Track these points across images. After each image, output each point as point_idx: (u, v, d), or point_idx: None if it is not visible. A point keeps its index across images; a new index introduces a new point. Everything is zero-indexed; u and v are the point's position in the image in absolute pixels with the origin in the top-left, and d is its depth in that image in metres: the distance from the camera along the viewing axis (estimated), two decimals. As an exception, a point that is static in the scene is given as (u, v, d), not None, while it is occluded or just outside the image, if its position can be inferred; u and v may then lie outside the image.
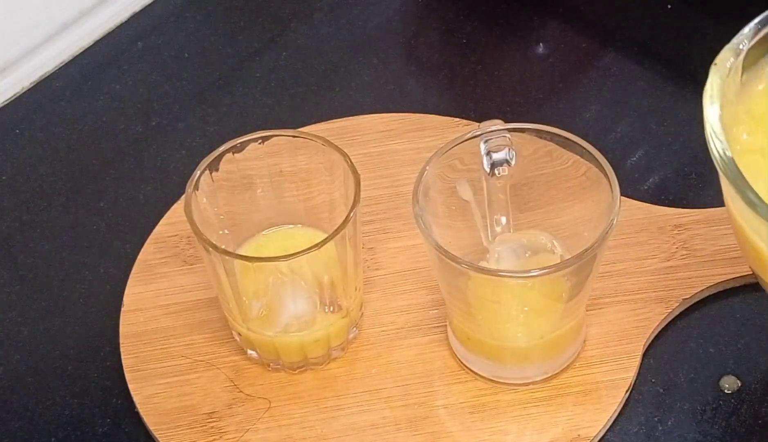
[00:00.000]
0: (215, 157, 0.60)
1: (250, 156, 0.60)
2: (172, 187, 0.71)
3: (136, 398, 0.61)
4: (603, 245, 0.54)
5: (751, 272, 0.62)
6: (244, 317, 0.59)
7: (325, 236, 0.56)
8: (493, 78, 0.76)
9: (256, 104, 0.77)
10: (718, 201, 0.67)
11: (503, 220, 0.61)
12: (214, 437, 0.59)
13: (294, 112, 0.76)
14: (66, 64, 0.81)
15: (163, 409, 0.60)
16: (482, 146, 0.58)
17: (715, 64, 0.51)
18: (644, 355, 0.61)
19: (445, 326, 0.62)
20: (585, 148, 0.57)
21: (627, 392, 0.59)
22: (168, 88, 0.79)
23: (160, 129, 0.76)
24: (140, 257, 0.67)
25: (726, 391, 0.60)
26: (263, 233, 0.63)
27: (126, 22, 0.84)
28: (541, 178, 0.60)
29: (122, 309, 0.64)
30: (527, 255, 0.60)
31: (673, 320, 0.62)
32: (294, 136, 0.61)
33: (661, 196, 0.68)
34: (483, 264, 0.60)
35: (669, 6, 0.80)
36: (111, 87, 0.79)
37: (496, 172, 0.59)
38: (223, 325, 0.63)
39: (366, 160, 0.70)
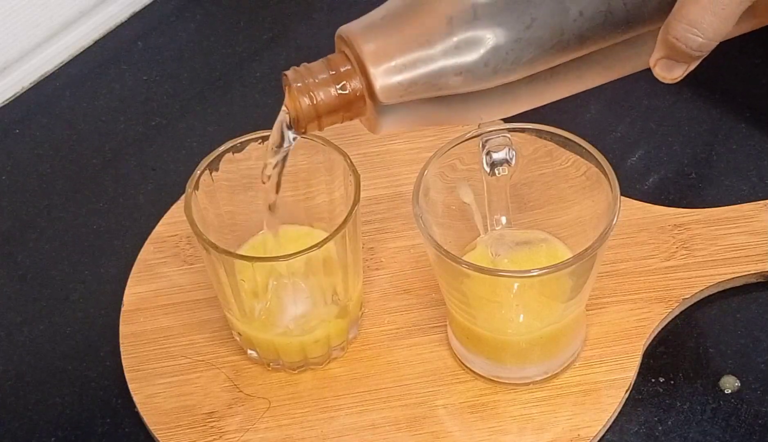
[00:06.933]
0: (215, 157, 0.60)
1: (250, 156, 0.60)
2: (172, 187, 0.71)
3: (136, 398, 0.61)
4: (603, 245, 0.54)
5: (751, 272, 0.63)
6: (244, 317, 0.59)
7: (325, 235, 0.56)
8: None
9: (256, 104, 0.77)
10: (718, 201, 0.67)
11: (503, 220, 0.61)
12: (214, 437, 0.59)
13: (294, 112, 0.76)
14: (66, 64, 0.81)
15: (163, 409, 0.60)
16: (482, 146, 0.58)
17: None
18: (644, 355, 0.61)
19: (445, 326, 0.62)
20: (585, 148, 0.57)
21: (627, 392, 0.59)
22: (168, 88, 0.79)
23: (160, 129, 0.76)
24: (140, 256, 0.67)
25: (726, 391, 0.60)
26: (263, 233, 0.63)
27: (126, 22, 0.84)
28: (541, 178, 0.60)
29: (122, 309, 0.64)
30: (518, 246, 0.60)
31: (673, 320, 0.62)
32: (294, 136, 0.61)
33: (661, 196, 0.68)
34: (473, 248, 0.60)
35: (669, 6, 0.80)
36: (111, 87, 0.79)
37: (496, 172, 0.59)
38: (223, 325, 0.63)
39: (365, 160, 0.70)
